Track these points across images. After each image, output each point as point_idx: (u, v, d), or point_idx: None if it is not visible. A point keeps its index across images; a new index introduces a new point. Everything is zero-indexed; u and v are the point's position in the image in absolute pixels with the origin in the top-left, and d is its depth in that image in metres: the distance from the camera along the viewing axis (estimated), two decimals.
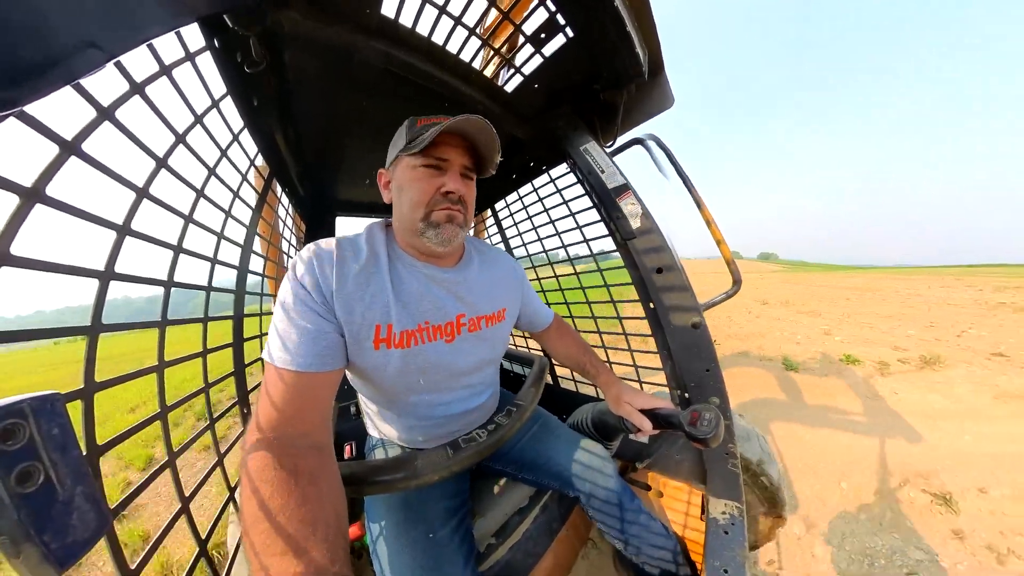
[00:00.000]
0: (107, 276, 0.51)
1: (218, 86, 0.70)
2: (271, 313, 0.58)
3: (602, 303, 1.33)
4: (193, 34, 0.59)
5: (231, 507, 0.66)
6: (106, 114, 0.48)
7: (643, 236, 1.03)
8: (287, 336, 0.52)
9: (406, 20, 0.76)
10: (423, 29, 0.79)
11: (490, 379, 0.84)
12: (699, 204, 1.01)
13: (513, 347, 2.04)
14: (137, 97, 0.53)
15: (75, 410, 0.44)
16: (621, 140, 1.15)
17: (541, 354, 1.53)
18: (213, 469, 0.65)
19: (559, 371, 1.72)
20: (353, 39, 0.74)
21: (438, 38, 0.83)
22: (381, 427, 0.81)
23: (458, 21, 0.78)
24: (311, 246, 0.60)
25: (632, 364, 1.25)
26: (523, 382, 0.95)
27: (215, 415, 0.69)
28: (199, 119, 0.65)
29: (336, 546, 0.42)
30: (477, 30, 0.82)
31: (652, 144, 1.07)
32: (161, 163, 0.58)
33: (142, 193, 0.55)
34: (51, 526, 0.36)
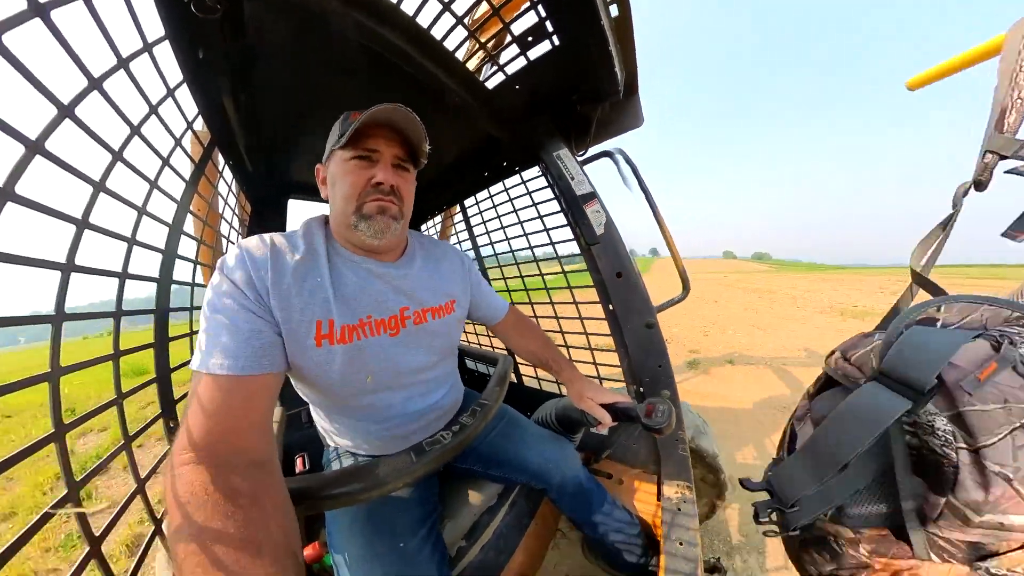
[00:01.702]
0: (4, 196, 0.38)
1: (154, 27, 0.57)
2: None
3: (566, 304, 1.39)
4: None
5: (157, 541, 0.54)
6: None
7: (606, 242, 1.10)
8: (216, 338, 0.48)
9: None
10: (408, 8, 0.74)
11: (446, 375, 0.82)
12: (657, 217, 1.12)
13: (478, 346, 2.02)
14: (38, 22, 0.40)
15: None
16: (592, 151, 1.22)
17: (506, 353, 1.55)
18: (131, 499, 0.52)
19: (523, 370, 1.75)
20: (329, 3, 0.66)
21: (423, 20, 0.78)
22: (336, 438, 0.75)
23: (446, 7, 0.75)
24: (241, 243, 0.56)
25: (593, 362, 1.33)
26: (488, 381, 0.95)
27: (131, 433, 0.55)
28: (124, 63, 0.52)
29: (287, 569, 0.38)
30: (465, 20, 0.80)
31: (620, 158, 1.15)
32: (66, 111, 0.45)
33: (34, 147, 0.42)
34: None
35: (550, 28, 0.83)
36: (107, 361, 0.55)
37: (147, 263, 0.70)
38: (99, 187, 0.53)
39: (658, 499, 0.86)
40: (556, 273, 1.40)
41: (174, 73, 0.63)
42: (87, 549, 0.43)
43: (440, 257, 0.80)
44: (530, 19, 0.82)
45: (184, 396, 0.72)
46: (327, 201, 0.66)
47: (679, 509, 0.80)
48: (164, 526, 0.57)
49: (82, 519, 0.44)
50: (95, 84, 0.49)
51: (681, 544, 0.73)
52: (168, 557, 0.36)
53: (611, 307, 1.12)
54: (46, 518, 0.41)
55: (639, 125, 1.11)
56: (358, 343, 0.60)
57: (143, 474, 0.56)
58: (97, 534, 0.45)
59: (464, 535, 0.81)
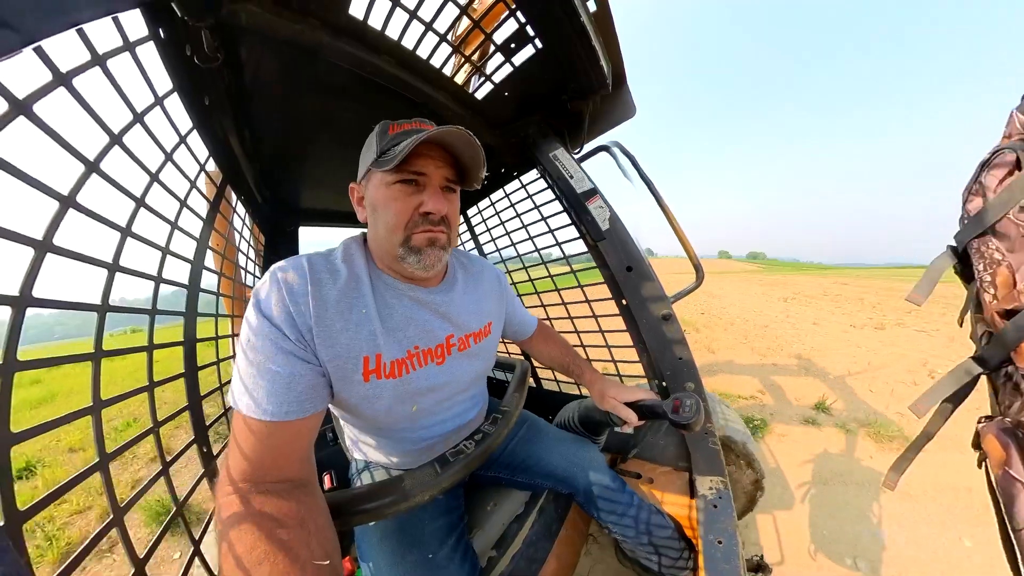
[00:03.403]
0: (24, 302, 0.42)
1: (162, 81, 0.62)
2: (228, 336, 0.52)
3: (578, 303, 1.38)
4: (134, 21, 0.52)
5: (196, 561, 0.56)
6: (22, 107, 0.40)
7: (612, 236, 1.09)
8: (255, 383, 0.45)
9: (375, 22, 0.73)
10: (393, 32, 0.78)
11: (481, 393, 0.83)
12: (662, 205, 1.09)
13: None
14: (62, 90, 0.45)
15: None
16: (588, 147, 1.22)
17: (522, 358, 1.54)
18: (170, 523, 0.55)
19: (541, 373, 1.73)
20: (318, 37, 0.70)
21: (408, 43, 0.81)
22: (365, 450, 0.76)
23: (429, 27, 0.78)
24: (277, 270, 0.50)
25: (611, 360, 1.31)
26: (506, 388, 0.94)
27: (168, 459, 0.59)
28: (139, 117, 0.56)
29: None
30: (448, 36, 0.82)
31: (617, 151, 1.14)
32: (92, 167, 0.50)
33: (67, 202, 0.47)
34: None
35: (531, 32, 0.84)
36: (142, 352, 0.59)
37: (168, 301, 0.75)
38: (126, 232, 0.57)
39: (691, 496, 0.82)
40: (566, 273, 1.39)
41: (184, 120, 0.69)
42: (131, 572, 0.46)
43: (478, 277, 0.77)
44: (511, 26, 0.84)
45: (215, 421, 0.76)
46: (364, 224, 0.61)
47: (715, 506, 0.76)
48: (201, 546, 0.60)
49: (126, 541, 0.47)
50: (115, 139, 0.54)
51: (720, 543, 0.69)
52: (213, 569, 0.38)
53: (624, 302, 1.09)
54: (105, 531, 0.44)
55: (632, 115, 1.10)
56: (407, 376, 0.58)
57: (182, 495, 0.59)
58: (141, 556, 0.48)
59: (494, 545, 0.80)
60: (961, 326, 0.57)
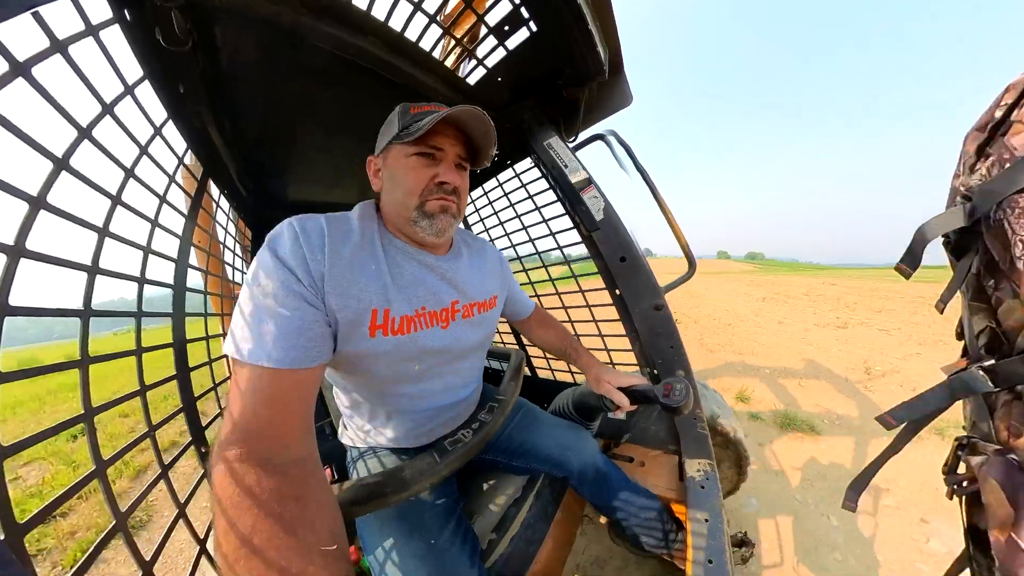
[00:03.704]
0: (2, 311, 0.40)
1: (132, 69, 0.57)
2: (219, 335, 0.50)
3: (572, 293, 1.39)
4: (97, 3, 0.48)
5: (204, 560, 0.57)
6: None
7: (606, 227, 1.08)
8: (262, 325, 0.44)
9: (360, 2, 0.69)
10: (379, 12, 0.73)
11: (477, 370, 0.84)
12: (657, 196, 1.09)
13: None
14: (21, 81, 0.41)
15: None
16: (583, 136, 1.19)
17: (517, 347, 1.55)
18: (173, 524, 0.56)
19: (536, 362, 1.76)
20: (297, 18, 0.66)
21: (396, 23, 0.77)
22: (361, 434, 0.77)
23: (417, 7, 0.73)
24: (293, 221, 0.52)
25: (604, 348, 1.33)
26: (502, 377, 0.96)
27: (167, 463, 0.59)
28: (108, 108, 0.52)
29: (338, 570, 0.38)
30: (438, 17, 0.78)
31: (612, 139, 1.12)
32: (61, 164, 0.47)
33: (38, 203, 0.44)
34: None
35: (525, 14, 0.80)
36: (131, 356, 0.58)
37: (159, 299, 0.73)
38: (104, 232, 0.55)
39: (680, 478, 0.86)
40: (560, 263, 1.39)
41: (158, 110, 0.64)
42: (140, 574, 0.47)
43: (481, 253, 0.81)
44: (504, 7, 0.80)
45: (212, 422, 0.76)
46: (377, 193, 0.66)
47: (702, 487, 0.80)
48: (209, 544, 0.61)
49: (131, 545, 0.47)
50: (84, 133, 0.50)
51: (707, 520, 0.74)
52: (217, 560, 0.37)
53: (618, 292, 1.11)
54: (108, 539, 0.44)
55: (628, 104, 1.07)
56: (412, 334, 0.60)
57: (183, 497, 0.59)
58: (148, 559, 0.49)
59: (493, 528, 0.83)
60: (942, 313, 0.50)
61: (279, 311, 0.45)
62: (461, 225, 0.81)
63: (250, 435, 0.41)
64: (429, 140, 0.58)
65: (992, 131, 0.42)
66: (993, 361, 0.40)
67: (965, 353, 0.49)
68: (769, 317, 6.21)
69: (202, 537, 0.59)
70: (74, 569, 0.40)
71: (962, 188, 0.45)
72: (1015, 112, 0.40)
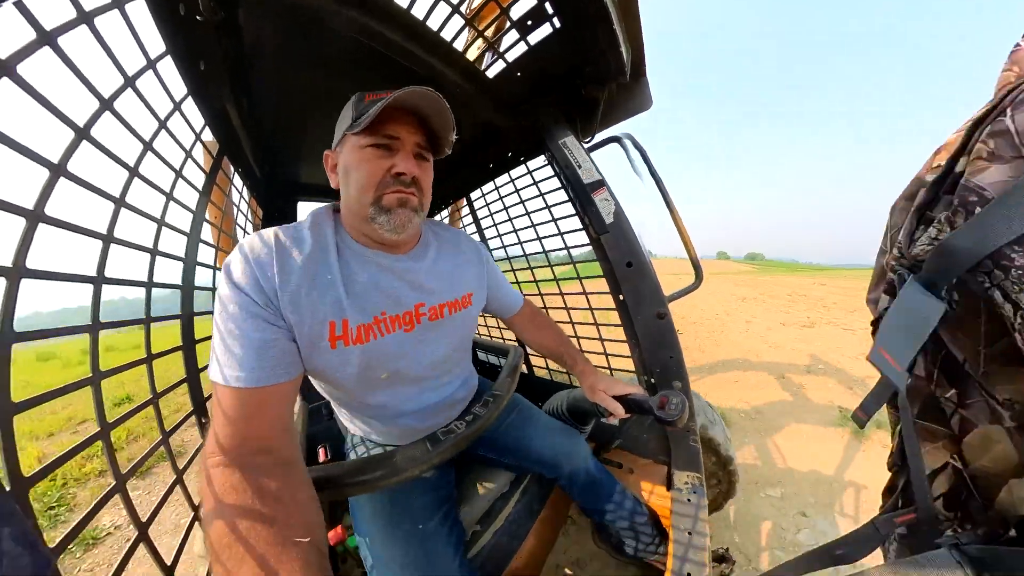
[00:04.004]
0: (17, 273, 0.42)
1: (155, 44, 0.58)
2: None
3: (576, 295, 1.38)
4: None
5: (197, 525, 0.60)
6: (5, 68, 0.38)
7: (615, 231, 1.07)
8: (229, 349, 0.47)
9: None
10: (402, 1, 0.73)
11: (460, 368, 0.82)
12: (669, 204, 1.07)
13: (488, 338, 2.04)
14: (47, 51, 0.42)
15: None
16: (598, 137, 1.17)
17: (516, 344, 1.56)
18: (171, 489, 0.58)
19: (533, 360, 1.77)
20: (322, 3, 0.66)
21: (418, 12, 0.76)
22: (358, 425, 0.78)
23: None
24: (243, 244, 0.53)
25: (603, 352, 1.33)
26: (499, 372, 0.96)
27: (168, 429, 0.61)
28: (130, 81, 0.53)
29: (309, 564, 0.40)
30: (462, 8, 0.77)
31: (628, 143, 1.10)
32: (82, 134, 0.48)
33: (58, 171, 0.45)
34: None
35: (550, 10, 0.79)
36: (141, 364, 0.60)
37: (169, 271, 0.75)
38: (120, 203, 0.56)
39: (668, 489, 0.86)
40: (566, 264, 1.38)
41: (178, 87, 0.65)
42: (136, 534, 0.49)
43: (455, 248, 0.77)
44: (529, 2, 0.78)
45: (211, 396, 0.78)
46: (337, 190, 0.62)
47: (688, 500, 0.80)
48: (201, 512, 0.63)
49: (129, 507, 0.49)
50: (106, 105, 0.51)
51: (690, 533, 0.74)
52: (205, 543, 0.40)
53: (621, 297, 1.10)
54: (108, 497, 0.46)
55: (648, 107, 1.05)
56: (374, 342, 0.58)
57: (182, 464, 0.61)
58: (144, 519, 0.51)
59: (478, 520, 0.84)
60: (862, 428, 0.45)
61: (240, 334, 0.48)
62: (448, 222, 0.80)
63: (231, 443, 0.45)
64: (383, 129, 0.55)
65: (934, 190, 0.34)
66: (970, 542, 0.28)
67: (893, 485, 0.39)
68: (739, 317, 6.29)
69: (197, 503, 0.62)
70: (72, 527, 0.41)
71: (895, 264, 0.36)
72: (971, 146, 0.31)
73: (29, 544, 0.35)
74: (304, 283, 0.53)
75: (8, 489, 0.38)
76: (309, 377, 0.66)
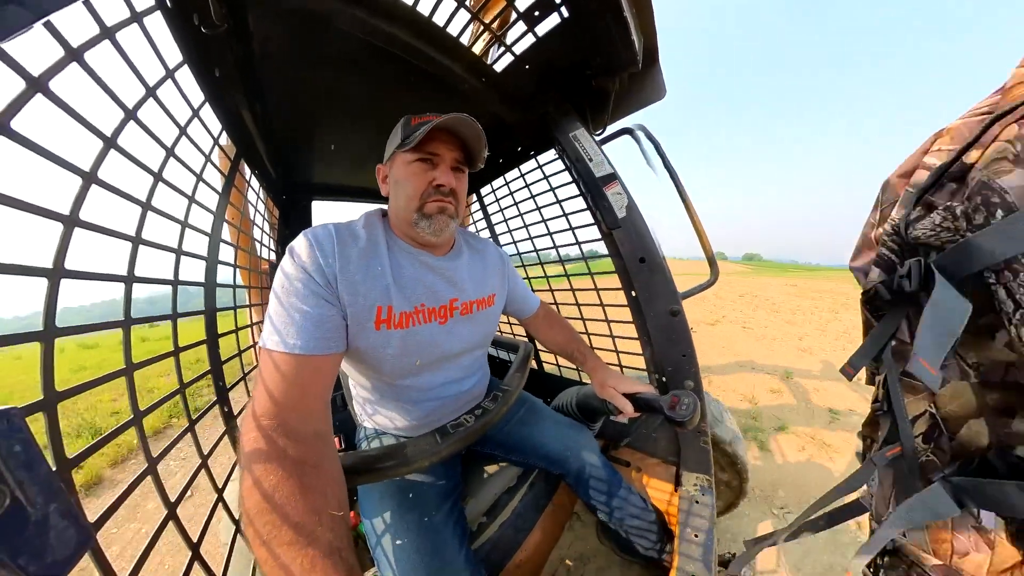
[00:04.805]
0: (57, 274, 0.45)
1: (172, 54, 0.61)
2: (247, 305, 0.55)
3: (587, 290, 1.36)
4: None
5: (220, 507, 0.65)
6: (39, 85, 0.41)
7: (628, 225, 1.04)
8: (287, 321, 0.52)
9: None
10: None
11: (479, 364, 0.87)
12: (684, 197, 1.03)
13: (499, 334, 2.06)
14: (75, 66, 0.45)
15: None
16: (610, 129, 1.14)
17: (526, 340, 1.56)
18: (197, 472, 0.63)
19: (543, 356, 1.77)
20: (328, 4, 0.67)
21: (423, 8, 0.76)
22: (373, 417, 0.81)
23: None
24: (308, 232, 0.60)
25: (614, 350, 1.31)
26: (509, 368, 0.97)
27: (194, 416, 0.65)
28: (151, 91, 0.57)
29: (340, 533, 0.44)
30: (467, 2, 0.76)
31: (641, 134, 1.07)
32: (110, 143, 0.51)
33: (90, 178, 0.49)
34: (26, 549, 0.34)
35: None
36: (169, 357, 0.64)
37: (191, 270, 0.80)
38: (147, 207, 0.60)
39: (676, 489, 0.85)
40: (577, 260, 1.36)
41: (196, 94, 0.68)
42: (165, 513, 0.53)
43: (483, 253, 0.85)
44: None
45: (235, 384, 0.83)
46: (383, 199, 0.72)
47: (697, 501, 0.78)
48: (225, 494, 0.68)
49: (160, 488, 0.53)
50: (131, 115, 0.54)
51: (696, 535, 0.72)
52: (240, 512, 0.44)
53: (633, 293, 1.07)
54: (140, 479, 0.51)
55: (661, 97, 1.01)
56: (412, 328, 0.65)
57: (206, 450, 0.66)
58: (172, 500, 0.55)
59: (484, 512, 0.86)
60: (851, 380, 0.47)
61: (302, 308, 0.53)
62: (472, 228, 0.83)
63: (281, 409, 0.48)
64: (427, 147, 0.64)
65: (937, 175, 0.36)
66: (955, 472, 0.36)
67: (873, 421, 0.47)
68: (699, 318, 6.41)
69: (220, 487, 0.66)
70: (109, 504, 0.46)
71: (887, 239, 0.39)
72: (986, 140, 0.32)
73: (72, 518, 0.39)
74: (360, 271, 0.60)
75: (54, 469, 0.42)
76: (345, 362, 0.70)
